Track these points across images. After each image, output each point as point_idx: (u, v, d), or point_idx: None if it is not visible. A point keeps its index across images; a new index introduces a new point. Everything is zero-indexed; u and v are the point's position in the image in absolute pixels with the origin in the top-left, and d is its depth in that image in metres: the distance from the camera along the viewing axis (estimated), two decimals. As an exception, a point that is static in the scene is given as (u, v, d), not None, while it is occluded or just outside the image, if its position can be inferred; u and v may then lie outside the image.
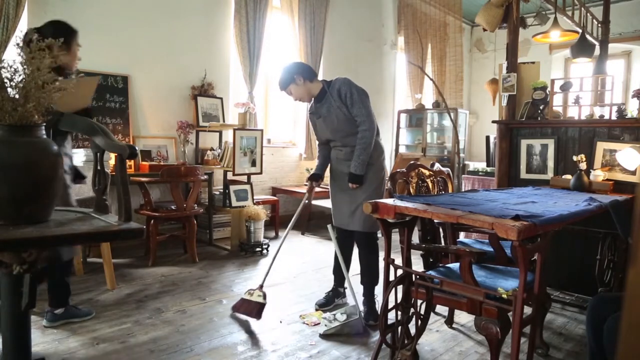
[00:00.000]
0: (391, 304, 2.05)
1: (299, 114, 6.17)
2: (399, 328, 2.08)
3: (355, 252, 3.01)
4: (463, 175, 4.76)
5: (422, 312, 2.07)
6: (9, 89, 1.35)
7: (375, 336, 2.53)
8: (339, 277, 3.06)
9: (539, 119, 3.41)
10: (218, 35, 5.18)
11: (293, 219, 3.07)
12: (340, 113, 2.81)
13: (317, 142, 3.19)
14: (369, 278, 2.89)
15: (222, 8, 5.18)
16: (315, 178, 3.04)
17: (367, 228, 2.82)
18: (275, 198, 5.35)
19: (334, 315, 2.66)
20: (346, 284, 2.98)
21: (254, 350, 2.39)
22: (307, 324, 2.73)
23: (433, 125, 7.67)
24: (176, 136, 4.80)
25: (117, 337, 2.47)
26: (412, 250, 2.13)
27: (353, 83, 2.85)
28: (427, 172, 2.62)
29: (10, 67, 1.35)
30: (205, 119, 4.94)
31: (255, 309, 2.74)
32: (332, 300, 3.05)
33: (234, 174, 4.55)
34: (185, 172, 3.96)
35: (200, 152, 4.92)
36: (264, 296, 2.79)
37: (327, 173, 3.13)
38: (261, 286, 2.86)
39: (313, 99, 2.94)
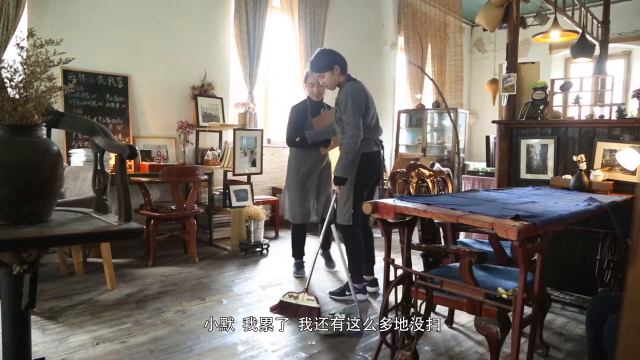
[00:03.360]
0: (391, 304, 2.05)
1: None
2: (399, 328, 2.08)
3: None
4: (463, 175, 4.76)
5: (422, 312, 2.07)
6: (9, 89, 1.35)
7: (375, 336, 2.53)
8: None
9: (539, 119, 3.41)
10: (218, 35, 5.18)
11: None
12: (336, 113, 3.17)
13: None
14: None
15: (222, 8, 5.18)
16: None
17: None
18: (275, 198, 5.35)
19: (333, 315, 2.66)
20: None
21: (254, 350, 2.39)
22: (306, 324, 2.72)
23: (433, 125, 7.68)
24: (176, 136, 4.80)
25: (117, 337, 2.47)
26: (412, 250, 2.13)
27: (354, 93, 3.03)
28: (427, 172, 2.62)
29: (10, 67, 1.35)
30: (205, 119, 4.94)
31: (313, 313, 2.77)
32: (343, 292, 3.21)
33: (234, 174, 4.55)
34: (185, 172, 3.96)
35: (200, 152, 4.92)
36: (317, 300, 2.86)
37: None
38: (306, 289, 2.91)
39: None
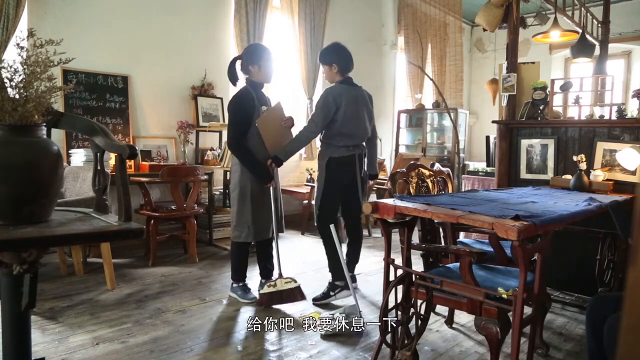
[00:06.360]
0: (391, 304, 2.05)
1: (298, 114, 6.17)
2: (399, 328, 2.08)
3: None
4: (463, 175, 4.76)
5: (422, 312, 2.07)
6: (9, 89, 1.35)
7: (375, 336, 2.53)
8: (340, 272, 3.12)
9: (539, 119, 3.41)
10: (218, 35, 5.18)
11: None
12: None
13: None
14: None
15: (222, 8, 5.19)
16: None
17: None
18: (275, 198, 5.34)
19: (333, 315, 2.66)
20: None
21: (254, 350, 2.39)
22: (307, 324, 2.72)
23: (433, 125, 7.68)
24: (176, 136, 4.80)
25: (117, 337, 2.47)
26: (412, 250, 2.13)
27: (329, 96, 3.09)
28: (427, 172, 2.62)
29: (10, 67, 1.35)
30: (205, 119, 4.94)
31: (297, 293, 2.91)
32: (327, 294, 3.15)
33: (234, 174, 4.54)
34: (185, 172, 3.96)
35: (200, 152, 4.92)
36: (293, 280, 2.93)
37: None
38: (280, 274, 2.99)
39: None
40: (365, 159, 3.29)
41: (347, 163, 3.16)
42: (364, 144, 3.29)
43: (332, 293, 3.14)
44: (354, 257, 3.36)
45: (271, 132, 3.02)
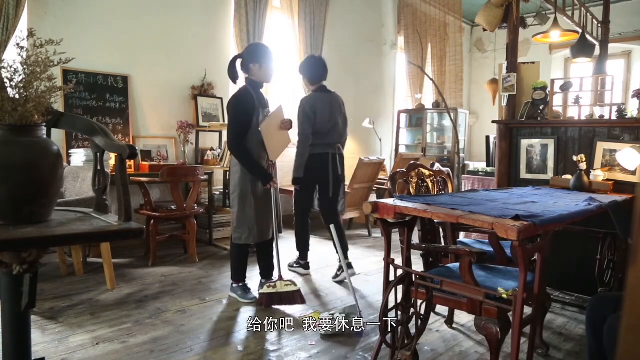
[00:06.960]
0: (391, 304, 2.05)
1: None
2: (399, 328, 2.08)
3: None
4: (463, 175, 4.75)
5: (422, 312, 2.07)
6: (9, 89, 1.35)
7: (375, 336, 2.53)
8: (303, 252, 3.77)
9: (539, 119, 3.41)
10: (218, 35, 5.18)
11: None
12: None
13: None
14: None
15: (222, 8, 5.19)
16: None
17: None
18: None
19: (333, 315, 2.66)
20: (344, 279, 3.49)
21: (254, 350, 2.39)
22: (307, 324, 2.72)
23: (433, 125, 7.68)
24: (176, 136, 4.80)
25: (117, 337, 2.47)
26: (412, 250, 2.13)
27: (305, 106, 3.55)
28: (427, 172, 2.62)
29: (10, 67, 1.35)
30: (205, 119, 4.94)
31: (297, 296, 2.94)
32: (292, 264, 3.79)
33: (234, 174, 4.54)
34: (185, 172, 3.96)
35: (200, 152, 4.92)
36: (294, 283, 2.97)
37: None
38: (280, 276, 3.03)
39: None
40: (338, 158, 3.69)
41: (322, 160, 3.57)
42: (339, 145, 3.67)
43: (295, 265, 3.77)
44: (341, 247, 3.39)
45: (272, 137, 3.03)
